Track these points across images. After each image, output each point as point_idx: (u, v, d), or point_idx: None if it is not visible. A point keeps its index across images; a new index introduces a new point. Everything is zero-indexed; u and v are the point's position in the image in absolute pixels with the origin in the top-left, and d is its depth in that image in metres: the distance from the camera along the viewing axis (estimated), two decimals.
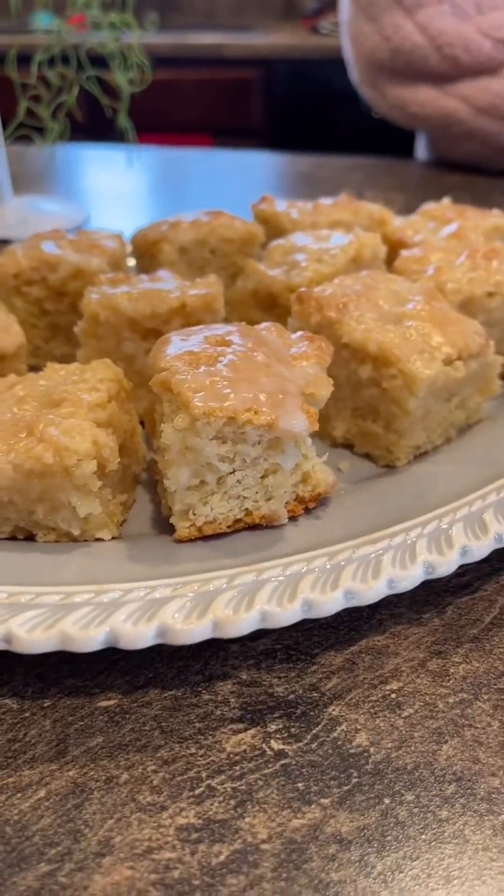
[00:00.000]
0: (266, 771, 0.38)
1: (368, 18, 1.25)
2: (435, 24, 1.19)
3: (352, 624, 0.46)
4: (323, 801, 0.36)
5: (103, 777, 0.38)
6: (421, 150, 1.54)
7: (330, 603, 0.40)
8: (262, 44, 2.98)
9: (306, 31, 3.09)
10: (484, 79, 1.21)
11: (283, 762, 0.38)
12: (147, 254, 0.74)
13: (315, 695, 0.42)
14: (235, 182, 1.44)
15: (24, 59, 1.00)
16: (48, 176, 1.39)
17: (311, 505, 0.50)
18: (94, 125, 1.36)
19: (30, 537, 0.49)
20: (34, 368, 0.72)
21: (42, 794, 0.37)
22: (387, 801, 0.36)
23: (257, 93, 3.01)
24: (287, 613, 0.39)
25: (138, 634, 0.38)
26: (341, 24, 1.37)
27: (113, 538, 0.48)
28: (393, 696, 0.42)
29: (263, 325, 0.54)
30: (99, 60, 1.05)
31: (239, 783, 0.37)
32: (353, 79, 1.40)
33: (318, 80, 2.84)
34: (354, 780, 0.37)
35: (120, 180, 1.40)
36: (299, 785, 0.37)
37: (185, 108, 2.99)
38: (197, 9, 3.55)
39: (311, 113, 3.04)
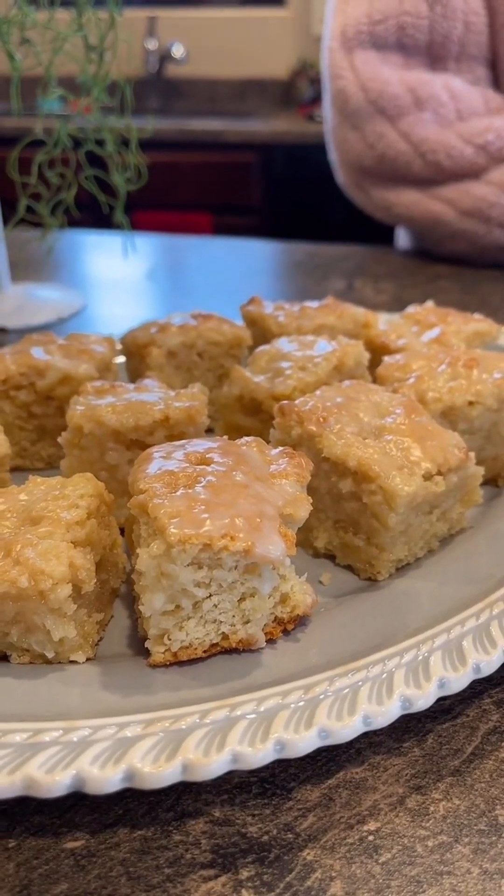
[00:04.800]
0: None
1: (352, 127, 1.31)
2: (417, 132, 1.24)
3: (329, 754, 0.45)
4: None
5: None
6: (402, 239, 1.58)
7: (303, 743, 0.39)
8: (261, 130, 3.12)
9: (302, 119, 3.24)
10: (467, 182, 1.26)
11: None
12: (136, 355, 0.76)
13: (290, 836, 0.41)
14: (231, 269, 1.48)
15: (25, 159, 1.04)
16: (46, 263, 1.43)
17: (289, 626, 0.49)
18: (91, 216, 1.41)
19: (4, 658, 0.48)
20: (20, 469, 0.72)
21: None
22: None
23: (255, 174, 3.13)
24: (259, 755, 0.38)
25: (105, 779, 0.37)
26: (326, 131, 1.43)
27: (88, 659, 0.48)
28: (370, 837, 0.41)
29: (244, 439, 0.54)
30: (97, 157, 1.09)
31: None
32: (339, 180, 1.45)
33: (312, 163, 2.96)
34: None
35: (117, 267, 1.44)
36: None
37: (186, 187, 3.11)
38: (199, 96, 3.73)
39: (306, 193, 3.17)
